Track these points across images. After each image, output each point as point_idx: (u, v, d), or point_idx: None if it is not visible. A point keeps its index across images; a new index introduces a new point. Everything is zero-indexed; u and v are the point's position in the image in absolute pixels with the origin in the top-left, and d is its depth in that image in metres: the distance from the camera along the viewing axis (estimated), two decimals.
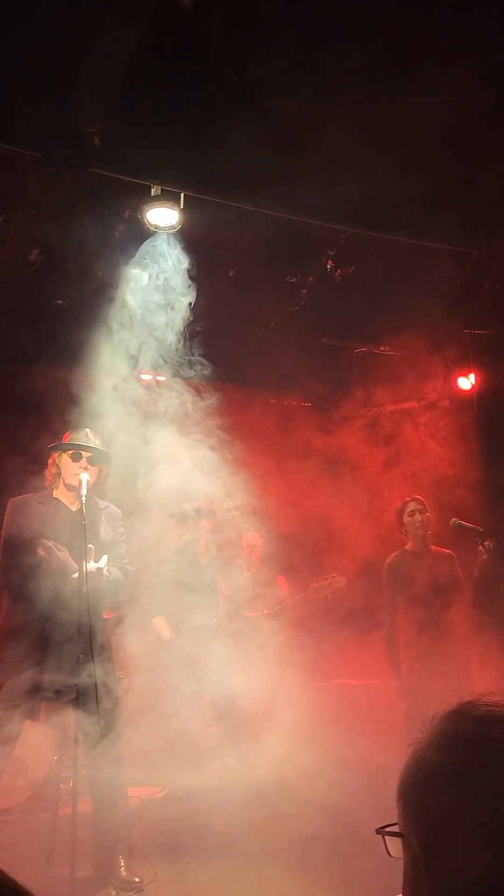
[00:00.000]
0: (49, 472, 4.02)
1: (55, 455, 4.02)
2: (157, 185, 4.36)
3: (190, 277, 4.71)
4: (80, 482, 3.84)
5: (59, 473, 3.99)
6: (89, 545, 3.74)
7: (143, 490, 4.46)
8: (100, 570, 3.76)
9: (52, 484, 4.02)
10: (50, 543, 3.73)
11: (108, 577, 3.84)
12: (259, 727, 5.07)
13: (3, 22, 3.22)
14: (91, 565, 3.75)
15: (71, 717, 3.83)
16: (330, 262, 5.83)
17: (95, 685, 3.61)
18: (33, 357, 6.29)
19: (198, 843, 4.10)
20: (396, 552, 5.61)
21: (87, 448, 3.95)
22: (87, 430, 4.05)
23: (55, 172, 4.27)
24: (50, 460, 4.03)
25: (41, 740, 4.86)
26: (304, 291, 6.26)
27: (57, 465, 3.99)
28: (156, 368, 4.74)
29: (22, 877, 0.90)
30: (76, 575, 3.74)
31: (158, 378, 4.92)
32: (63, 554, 3.74)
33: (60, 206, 4.85)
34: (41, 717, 4.80)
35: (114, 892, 3.62)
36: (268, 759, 4.69)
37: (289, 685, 5.12)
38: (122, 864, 3.73)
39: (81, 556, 3.71)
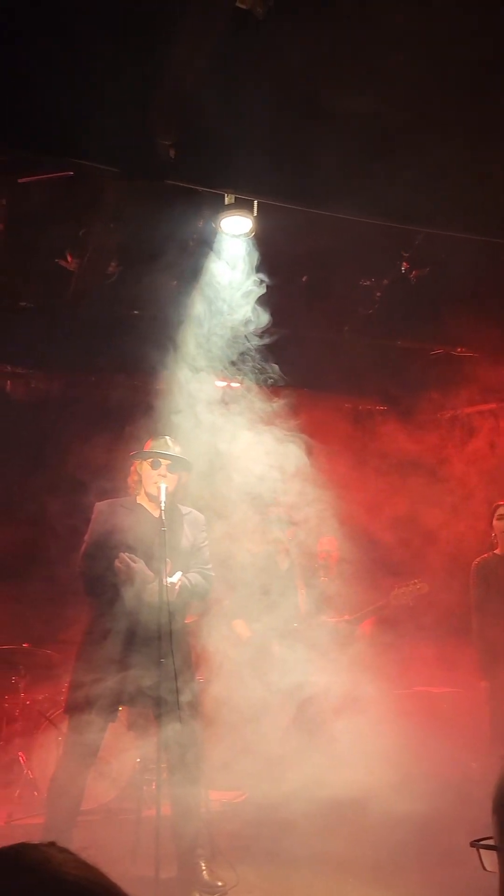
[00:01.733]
0: (131, 479, 4.09)
1: (136, 463, 4.09)
2: (231, 193, 4.41)
3: (263, 284, 4.74)
4: (159, 490, 3.90)
5: (141, 481, 4.06)
6: (166, 558, 3.78)
7: (223, 495, 4.49)
8: (172, 584, 3.80)
9: (135, 491, 4.09)
10: (126, 557, 3.79)
11: (185, 587, 3.88)
12: (339, 733, 5.03)
13: (79, 41, 3.31)
14: (161, 578, 3.80)
15: (152, 721, 3.88)
16: (405, 263, 5.76)
17: (176, 690, 3.66)
18: (112, 367, 6.44)
19: (280, 848, 4.09)
20: (485, 555, 5.59)
21: (165, 456, 4.00)
22: (167, 437, 4.10)
23: (131, 185, 4.36)
24: (132, 468, 4.10)
25: (124, 743, 4.96)
26: (379, 294, 6.20)
27: (138, 473, 4.06)
28: (231, 375, 4.78)
29: (110, 876, 0.92)
30: (151, 586, 3.80)
31: (233, 385, 4.95)
32: (139, 565, 3.80)
33: (136, 218, 4.94)
34: (124, 720, 4.91)
35: (196, 895, 3.66)
36: (349, 766, 4.66)
37: (369, 692, 5.06)
38: (204, 867, 3.76)
39: (161, 563, 3.76)
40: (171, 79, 3.48)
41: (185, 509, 4.14)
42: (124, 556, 3.78)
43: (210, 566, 4.11)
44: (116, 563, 3.77)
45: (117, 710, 3.91)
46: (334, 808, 4.29)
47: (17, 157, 4.52)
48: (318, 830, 4.14)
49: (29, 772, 5.19)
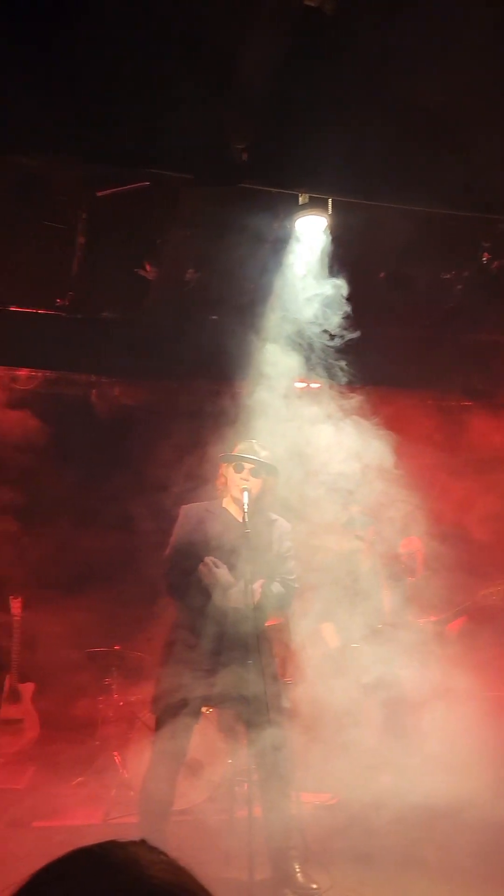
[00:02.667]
0: (219, 482, 4.09)
1: (223, 466, 4.10)
2: (305, 193, 4.39)
3: (341, 282, 4.70)
4: (241, 493, 3.91)
5: (227, 484, 4.07)
6: (248, 563, 3.78)
7: (306, 496, 4.47)
8: (252, 590, 3.79)
9: (222, 494, 4.11)
10: (210, 560, 3.81)
11: (266, 594, 3.87)
12: (430, 736, 4.94)
13: (149, 50, 3.37)
14: (241, 583, 3.81)
15: (241, 723, 3.90)
16: (486, 254, 5.61)
17: (264, 692, 3.66)
18: (192, 373, 6.51)
19: (372, 852, 4.04)
20: None
21: (248, 459, 4.00)
22: (254, 441, 4.09)
23: (206, 191, 4.40)
24: (220, 471, 4.11)
25: (216, 743, 5.00)
26: (460, 287, 6.06)
27: (225, 476, 4.08)
28: (311, 376, 4.76)
29: (201, 877, 0.92)
30: (233, 590, 3.82)
31: (313, 385, 4.93)
32: (221, 570, 3.82)
33: (212, 224, 4.99)
34: (214, 721, 4.95)
35: None
36: (441, 770, 4.56)
37: (458, 693, 4.95)
38: (298, 869, 3.74)
39: (244, 569, 3.77)
40: (243, 82, 3.50)
41: (272, 516, 4.11)
42: (208, 559, 3.80)
43: (294, 577, 4.07)
44: (200, 566, 3.80)
45: (201, 711, 3.94)
46: (427, 813, 4.20)
47: (95, 171, 4.63)
48: (410, 835, 4.07)
49: (124, 771, 5.30)
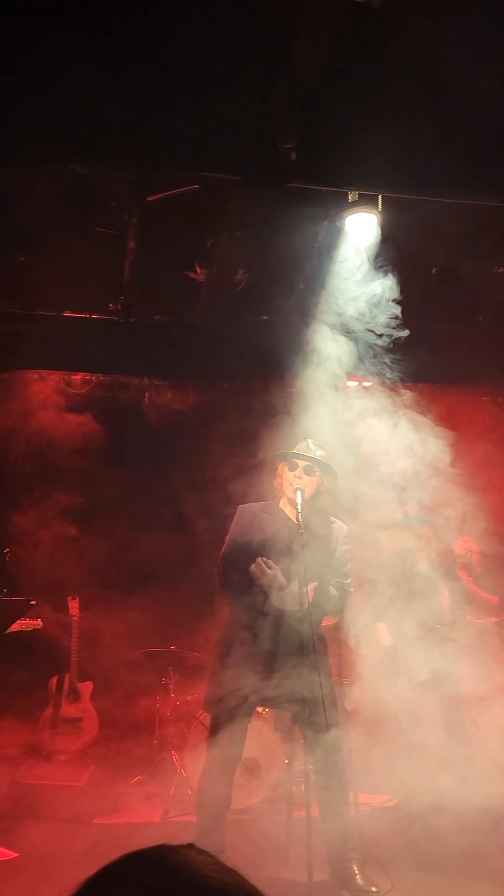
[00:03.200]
0: (276, 482, 4.08)
1: (280, 465, 4.09)
2: (355, 190, 4.36)
3: (392, 278, 4.65)
4: (294, 492, 3.90)
5: (283, 484, 4.06)
6: (303, 565, 3.76)
7: (361, 496, 4.44)
8: (306, 592, 3.78)
9: (279, 494, 4.11)
10: (262, 561, 3.82)
11: (320, 596, 3.85)
12: (489, 736, 4.85)
13: (196, 53, 3.39)
14: (294, 584, 3.80)
15: (297, 723, 3.89)
16: None
17: (316, 693, 3.65)
18: (244, 373, 6.53)
19: (432, 855, 3.99)
20: None
21: (302, 457, 3.99)
22: (310, 440, 4.07)
23: (255, 192, 4.41)
24: (277, 470, 4.11)
25: (272, 743, 5.00)
26: None
27: (281, 476, 4.07)
28: (363, 373, 4.72)
29: (261, 877, 0.92)
30: (285, 592, 3.81)
31: (365, 383, 4.89)
32: (274, 571, 3.81)
33: (261, 224, 5.00)
34: (271, 721, 4.95)
35: None
36: (502, 772, 4.48)
37: None
38: (357, 871, 3.72)
39: (298, 570, 3.76)
40: (291, 82, 3.49)
41: (330, 518, 4.10)
42: (260, 560, 3.80)
43: (349, 581, 4.03)
44: (252, 567, 3.80)
45: (256, 711, 3.94)
46: (489, 815, 4.13)
47: (145, 176, 4.69)
48: (472, 838, 4.00)
49: (182, 770, 5.34)
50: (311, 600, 3.76)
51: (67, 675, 6.35)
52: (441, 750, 4.82)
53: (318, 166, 3.78)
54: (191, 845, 0.88)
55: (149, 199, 4.83)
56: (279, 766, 5.02)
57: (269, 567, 3.79)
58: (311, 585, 3.78)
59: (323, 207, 4.81)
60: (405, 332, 4.70)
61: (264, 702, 3.92)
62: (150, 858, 0.84)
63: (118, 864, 0.84)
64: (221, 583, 3.99)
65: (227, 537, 4.05)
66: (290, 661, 3.74)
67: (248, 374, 6.52)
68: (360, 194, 4.43)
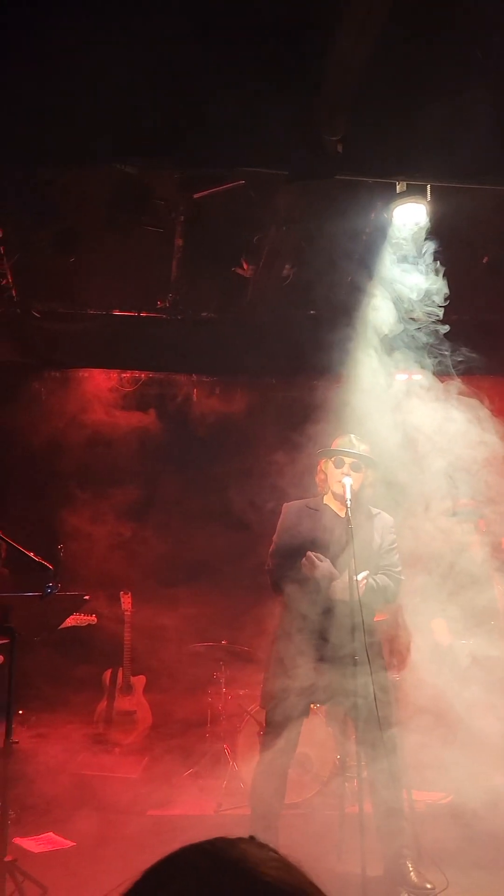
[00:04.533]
0: (319, 478, 4.09)
1: (322, 462, 4.10)
2: (403, 180, 4.31)
3: (442, 269, 4.58)
4: (343, 488, 3.89)
5: (327, 480, 4.06)
6: (351, 557, 3.75)
7: (413, 491, 4.39)
8: (357, 582, 3.76)
9: (323, 490, 4.11)
10: (312, 555, 3.81)
11: (371, 586, 3.83)
12: None
13: (239, 49, 3.38)
14: (345, 577, 3.78)
15: (349, 719, 3.88)
16: None
17: (369, 688, 3.63)
18: (292, 368, 6.52)
19: (488, 854, 3.94)
20: None
21: (348, 454, 3.98)
22: (352, 435, 4.06)
23: (302, 186, 4.39)
24: (318, 467, 4.11)
25: (325, 738, 4.99)
26: None
27: (324, 472, 4.07)
28: (413, 366, 4.67)
29: (313, 872, 0.92)
30: (337, 583, 3.80)
31: (415, 376, 4.83)
32: (324, 564, 3.81)
33: (308, 218, 4.97)
34: (323, 717, 4.94)
35: None
36: None
37: None
38: (411, 868, 3.69)
39: (348, 563, 3.75)
40: (336, 74, 3.46)
41: (374, 510, 4.08)
42: (311, 554, 3.81)
43: (399, 569, 4.01)
44: (303, 561, 3.81)
45: (309, 706, 3.94)
46: None
47: (191, 174, 4.70)
48: None
49: (234, 764, 5.37)
50: (362, 592, 3.75)
51: (121, 668, 6.44)
52: (496, 747, 4.75)
53: (365, 158, 3.74)
54: (251, 838, 0.87)
55: (195, 196, 4.85)
56: (331, 761, 5.01)
57: (320, 559, 3.80)
58: (363, 576, 3.77)
59: (370, 199, 4.77)
60: (455, 323, 4.62)
61: (317, 697, 3.91)
62: (207, 852, 0.84)
63: (175, 857, 0.84)
64: (274, 580, 4.00)
65: (275, 536, 4.07)
66: (343, 655, 3.73)
67: (296, 369, 6.50)
68: (408, 185, 4.38)
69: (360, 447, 4.00)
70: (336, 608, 3.80)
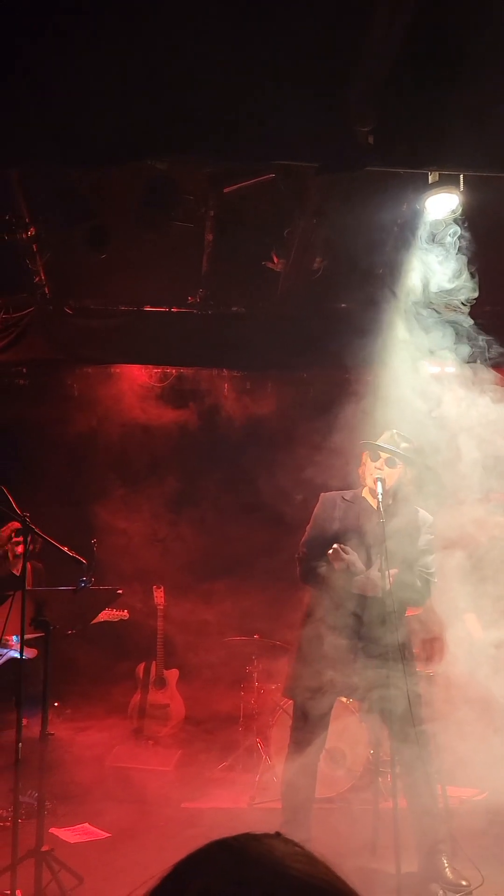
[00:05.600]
0: (360, 470, 4.07)
1: (364, 454, 4.07)
2: (435, 170, 4.26)
3: (475, 260, 4.52)
4: (375, 483, 3.86)
5: (365, 473, 4.04)
6: (383, 552, 3.72)
7: (446, 484, 4.34)
8: (385, 576, 3.74)
9: (363, 483, 4.09)
10: (339, 547, 3.80)
11: (401, 583, 3.80)
12: None
13: (269, 42, 3.36)
14: (372, 571, 3.76)
15: (380, 714, 3.86)
16: None
17: (400, 683, 3.61)
18: (323, 362, 6.49)
19: None
20: None
21: (384, 448, 3.95)
22: (395, 431, 4.02)
23: (332, 178, 4.36)
24: (362, 458, 4.08)
25: (358, 733, 4.98)
26: None
27: (365, 465, 4.05)
28: (445, 358, 4.62)
29: (347, 867, 0.91)
30: (362, 577, 3.78)
31: (447, 368, 4.78)
32: (350, 556, 3.79)
33: (338, 210, 4.94)
34: (356, 711, 4.93)
35: (441, 893, 3.58)
36: None
37: None
38: (447, 865, 3.67)
39: (378, 557, 3.73)
40: (366, 65, 3.42)
41: (412, 508, 4.05)
42: (337, 546, 3.79)
43: (432, 571, 3.98)
44: (329, 552, 3.79)
45: (338, 700, 3.93)
46: None
47: (222, 168, 4.70)
48: None
49: (267, 758, 5.39)
50: (391, 586, 3.72)
51: (154, 662, 6.48)
52: None
53: (396, 149, 3.70)
54: (277, 834, 0.87)
55: (225, 190, 4.84)
56: (364, 756, 5.00)
57: (346, 552, 3.78)
58: (392, 571, 3.74)
59: (402, 190, 4.72)
60: (489, 314, 4.56)
61: (348, 692, 3.90)
62: (232, 847, 0.84)
63: (202, 853, 0.85)
64: (301, 569, 4.00)
65: (309, 525, 4.07)
66: (372, 650, 3.72)
67: (328, 362, 6.47)
68: (440, 175, 4.33)
69: (401, 444, 3.96)
70: (365, 602, 3.78)
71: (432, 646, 4.85)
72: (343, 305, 6.29)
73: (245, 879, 0.79)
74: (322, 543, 3.88)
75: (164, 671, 6.47)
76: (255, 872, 0.80)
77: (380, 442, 3.99)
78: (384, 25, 3.18)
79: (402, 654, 3.67)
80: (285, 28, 3.28)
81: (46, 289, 6.18)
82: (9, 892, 3.29)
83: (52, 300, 6.31)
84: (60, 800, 4.74)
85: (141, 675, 6.52)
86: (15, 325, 6.27)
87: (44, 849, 3.51)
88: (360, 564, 3.80)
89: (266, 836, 0.86)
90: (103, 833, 4.55)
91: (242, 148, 3.67)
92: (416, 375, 4.48)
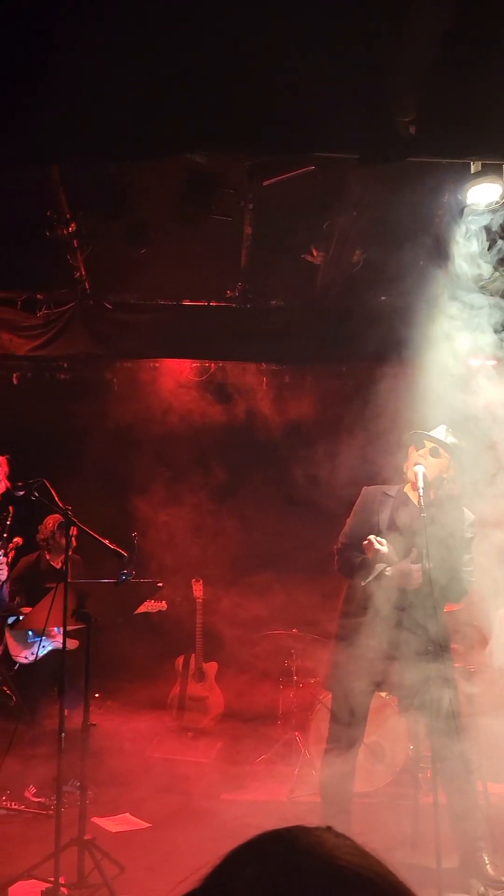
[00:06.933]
0: (406, 465, 4.02)
1: (410, 448, 4.01)
2: (478, 160, 4.20)
3: None
4: (416, 475, 3.82)
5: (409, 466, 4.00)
6: (423, 547, 3.69)
7: (489, 479, 4.29)
8: (415, 570, 3.70)
9: (406, 478, 4.03)
10: (374, 539, 3.78)
11: (436, 579, 3.76)
12: None
13: (309, 32, 3.34)
14: (405, 564, 3.73)
15: (423, 709, 3.83)
16: None
17: (439, 678, 3.58)
18: (363, 355, 6.44)
19: None
20: None
21: (429, 437, 3.90)
22: (444, 426, 3.96)
23: (373, 170, 4.32)
24: (408, 452, 4.04)
25: (397, 728, 4.96)
26: None
27: (409, 458, 4.01)
28: (488, 351, 4.55)
29: (388, 862, 0.91)
30: (394, 569, 3.76)
31: (488, 362, 4.71)
32: (384, 549, 3.76)
33: (379, 202, 4.89)
34: (395, 706, 4.90)
35: (482, 889, 3.55)
36: None
37: None
38: (488, 861, 3.64)
39: (418, 551, 3.70)
40: (407, 54, 3.38)
41: (455, 503, 4.01)
42: (372, 537, 3.77)
43: (471, 569, 3.93)
44: (363, 543, 3.77)
45: (373, 694, 3.91)
46: None
47: (261, 161, 4.68)
48: None
49: (306, 752, 5.39)
50: (419, 582, 3.69)
51: (193, 655, 6.53)
52: None
53: (439, 138, 3.65)
54: (328, 828, 0.88)
55: (265, 183, 4.82)
56: (404, 751, 4.97)
57: (381, 543, 3.76)
58: (429, 565, 3.71)
59: (443, 180, 4.66)
60: None
61: (386, 686, 3.88)
62: (283, 838, 0.84)
63: (252, 843, 0.85)
64: (338, 561, 4.00)
65: (349, 518, 4.05)
66: (411, 644, 3.69)
67: (367, 356, 6.42)
68: (483, 164, 4.26)
69: (449, 438, 3.92)
70: (404, 595, 3.75)
71: (472, 641, 4.80)
72: (383, 298, 6.24)
73: (297, 869, 0.80)
74: (361, 536, 3.87)
75: (203, 664, 6.51)
76: (306, 863, 0.81)
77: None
78: (426, 14, 3.13)
79: (441, 648, 3.64)
80: (325, 18, 3.25)
81: (87, 284, 6.24)
82: (52, 879, 3.35)
83: (92, 295, 6.37)
84: (102, 789, 4.80)
85: (180, 667, 6.57)
86: (56, 321, 6.35)
87: (86, 837, 3.56)
88: (393, 556, 3.78)
89: (317, 828, 0.87)
90: (144, 823, 4.60)
91: (283, 140, 3.66)
92: (457, 368, 4.43)
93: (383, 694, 4.63)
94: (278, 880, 0.80)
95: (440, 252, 4.96)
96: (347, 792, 3.83)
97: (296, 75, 3.39)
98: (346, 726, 3.81)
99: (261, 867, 0.81)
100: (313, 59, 3.36)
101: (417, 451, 3.92)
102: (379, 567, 3.77)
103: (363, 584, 3.78)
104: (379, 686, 3.88)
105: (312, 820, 0.95)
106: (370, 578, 3.77)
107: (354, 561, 3.87)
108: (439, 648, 3.62)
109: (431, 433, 3.93)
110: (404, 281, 5.71)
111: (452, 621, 4.20)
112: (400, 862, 0.91)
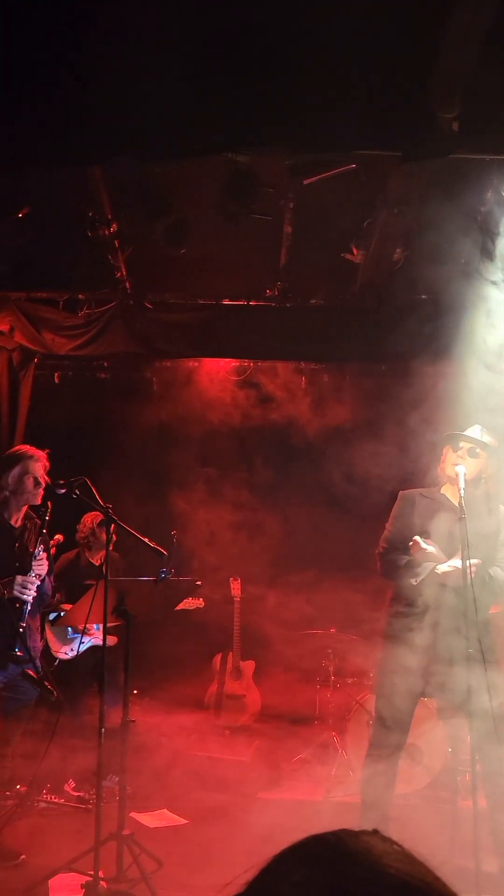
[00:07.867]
0: (441, 466, 4.00)
1: (446, 449, 4.00)
2: None
3: None
4: (455, 474, 3.79)
5: (446, 468, 3.97)
6: (464, 547, 3.65)
7: None
8: (457, 568, 3.67)
9: (442, 480, 4.00)
10: (420, 539, 3.75)
11: (482, 576, 3.72)
12: None
13: (350, 29, 3.32)
14: (454, 563, 3.70)
15: (463, 712, 3.79)
16: None
17: (482, 681, 3.53)
18: (403, 354, 6.39)
19: None
20: None
21: (466, 438, 3.87)
22: (479, 426, 3.93)
23: (415, 167, 4.29)
24: (443, 455, 4.01)
25: (435, 730, 4.91)
26: None
27: (445, 460, 3.98)
28: None
29: (429, 864, 0.90)
30: (441, 570, 3.73)
31: None
32: (431, 547, 3.74)
33: (420, 199, 4.85)
34: (434, 708, 4.86)
35: None
36: None
37: None
38: None
39: (459, 552, 3.67)
40: (450, 53, 3.34)
41: (494, 503, 3.96)
42: (417, 538, 3.75)
43: None
44: (410, 544, 3.76)
45: (420, 697, 3.88)
46: None
47: (302, 159, 4.67)
48: None
49: (343, 752, 5.37)
50: (473, 577, 3.65)
51: (230, 653, 6.54)
52: None
53: (482, 134, 3.61)
54: (375, 831, 0.87)
55: (305, 181, 4.81)
56: (442, 754, 4.93)
57: (428, 544, 3.74)
58: (475, 563, 3.67)
59: (486, 177, 4.60)
60: None
61: (429, 688, 3.84)
62: (330, 842, 0.84)
63: (299, 846, 0.85)
64: (382, 565, 3.98)
65: (388, 523, 4.03)
66: (455, 646, 3.66)
67: (408, 355, 6.37)
68: None
69: (485, 438, 3.88)
70: (448, 597, 3.72)
71: None
72: (424, 297, 6.18)
73: (342, 874, 0.79)
74: (402, 539, 3.86)
75: (241, 662, 6.52)
76: (353, 868, 0.80)
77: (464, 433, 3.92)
78: (469, 12, 3.10)
79: (485, 651, 3.59)
80: (367, 16, 3.23)
81: (127, 284, 6.29)
82: (92, 872, 3.39)
83: (132, 295, 6.42)
84: (139, 786, 4.84)
85: (217, 665, 6.59)
86: (97, 320, 6.42)
87: (125, 832, 3.60)
88: (440, 554, 3.76)
89: (364, 832, 0.86)
90: (181, 819, 4.63)
91: (324, 138, 3.65)
92: (498, 368, 4.37)
93: (424, 697, 4.60)
94: (326, 884, 0.79)
95: (483, 249, 4.90)
96: (388, 794, 3.80)
97: (337, 73, 3.38)
98: (391, 731, 3.78)
99: (308, 872, 0.81)
100: (355, 57, 3.35)
101: (454, 451, 3.88)
102: (428, 566, 3.75)
103: (415, 582, 3.76)
104: (424, 691, 3.85)
105: (351, 821, 0.95)
106: (422, 577, 3.75)
107: (399, 563, 3.85)
108: (483, 649, 3.58)
109: (467, 433, 3.89)
110: (445, 279, 5.65)
111: (498, 622, 4.15)
112: (438, 865, 0.90)
